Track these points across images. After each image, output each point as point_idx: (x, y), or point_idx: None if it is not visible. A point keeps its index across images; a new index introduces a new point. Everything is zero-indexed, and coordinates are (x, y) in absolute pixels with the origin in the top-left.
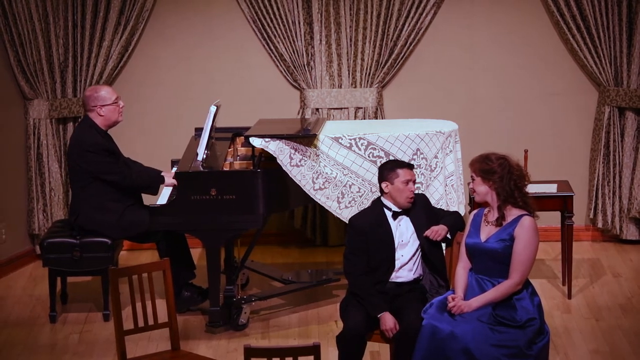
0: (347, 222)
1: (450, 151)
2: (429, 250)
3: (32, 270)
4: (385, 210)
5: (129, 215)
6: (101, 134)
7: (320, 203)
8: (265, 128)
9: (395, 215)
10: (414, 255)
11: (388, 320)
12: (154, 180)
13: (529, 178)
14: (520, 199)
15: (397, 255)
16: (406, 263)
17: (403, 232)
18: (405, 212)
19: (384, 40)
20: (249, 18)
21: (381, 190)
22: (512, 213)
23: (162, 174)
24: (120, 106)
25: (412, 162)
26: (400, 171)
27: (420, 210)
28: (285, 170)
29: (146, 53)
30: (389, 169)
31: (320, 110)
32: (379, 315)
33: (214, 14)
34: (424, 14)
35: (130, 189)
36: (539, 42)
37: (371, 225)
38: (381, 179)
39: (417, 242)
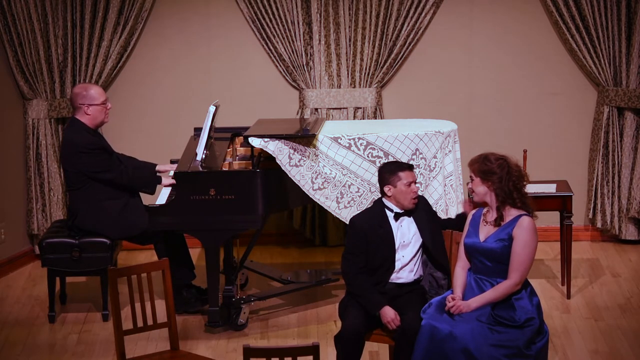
0: (346, 222)
1: (450, 151)
2: (434, 249)
3: (31, 270)
4: (387, 211)
5: (128, 215)
6: (91, 132)
7: (320, 203)
8: (264, 128)
9: (397, 216)
10: (414, 256)
11: (388, 313)
12: (150, 181)
13: (528, 178)
14: (519, 199)
15: (398, 256)
16: (407, 264)
17: (405, 232)
18: (407, 213)
19: (383, 40)
20: (247, 18)
21: (382, 193)
22: (510, 213)
23: (158, 167)
24: (108, 107)
25: (411, 162)
26: (402, 174)
27: (422, 212)
28: (284, 170)
29: (145, 53)
30: (389, 171)
31: (319, 110)
32: (379, 312)
33: (212, 14)
34: (423, 14)
35: (127, 188)
36: (538, 42)
37: (372, 226)
38: (383, 182)
39: (419, 243)
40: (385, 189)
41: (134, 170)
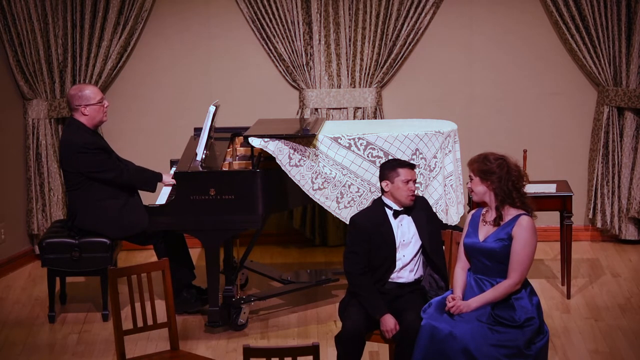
0: (346, 222)
1: (450, 151)
2: (431, 251)
3: (31, 270)
4: (386, 209)
5: (128, 214)
6: (89, 132)
7: (320, 203)
8: (264, 128)
9: (396, 214)
10: (415, 256)
11: (388, 322)
12: (151, 177)
13: (527, 178)
14: (518, 199)
15: (399, 255)
16: (408, 263)
17: (405, 232)
18: (407, 212)
19: (383, 40)
20: (247, 18)
21: (382, 189)
22: (510, 213)
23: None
24: (105, 106)
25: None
26: (401, 170)
27: (422, 212)
28: (284, 170)
29: (145, 53)
30: (390, 167)
31: (319, 110)
32: (379, 318)
33: (212, 14)
34: (423, 14)
35: (127, 186)
36: (538, 42)
37: (373, 224)
38: (382, 177)
39: (419, 243)
40: (383, 184)
41: (134, 169)
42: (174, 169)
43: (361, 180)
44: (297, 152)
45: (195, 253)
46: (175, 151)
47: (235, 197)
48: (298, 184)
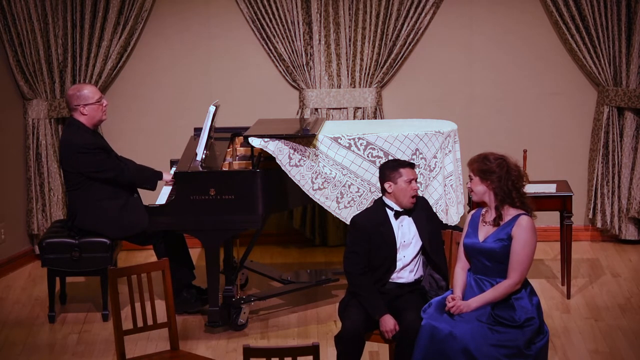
0: (346, 222)
1: (450, 151)
2: (431, 251)
3: (31, 270)
4: (387, 210)
5: (128, 214)
6: (89, 132)
7: (320, 203)
8: (264, 128)
9: (397, 214)
10: (415, 257)
11: (388, 322)
12: (152, 175)
13: (527, 178)
14: (518, 199)
15: (399, 256)
16: (408, 264)
17: (405, 232)
18: (407, 212)
19: (383, 40)
20: (247, 18)
21: (383, 190)
22: (509, 213)
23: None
24: (104, 105)
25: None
26: (403, 170)
27: (422, 212)
28: (284, 170)
29: (145, 53)
30: (391, 168)
31: (319, 110)
32: (379, 318)
33: (212, 14)
34: (423, 14)
35: (127, 185)
36: (538, 42)
37: (373, 225)
38: (384, 179)
39: (420, 243)
40: (386, 185)
41: (135, 167)
42: (174, 169)
43: (361, 180)
44: (297, 152)
45: (195, 253)
46: (175, 151)
47: (235, 197)
48: (298, 184)
